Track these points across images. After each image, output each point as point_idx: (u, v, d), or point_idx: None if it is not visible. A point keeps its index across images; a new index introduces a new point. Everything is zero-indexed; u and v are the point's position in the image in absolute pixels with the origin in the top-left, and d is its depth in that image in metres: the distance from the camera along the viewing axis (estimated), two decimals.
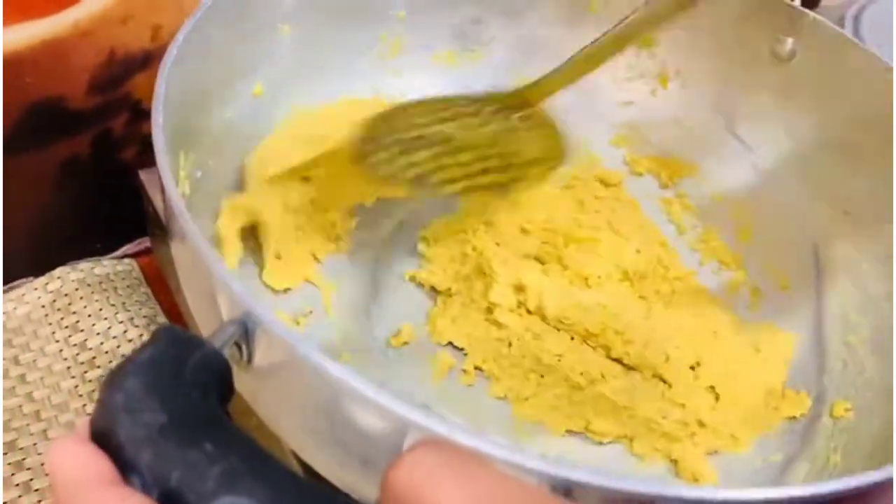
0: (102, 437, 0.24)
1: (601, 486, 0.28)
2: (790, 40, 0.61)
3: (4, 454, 0.50)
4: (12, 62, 0.50)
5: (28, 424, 0.51)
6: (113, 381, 0.25)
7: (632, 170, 0.67)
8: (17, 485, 0.49)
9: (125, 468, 0.23)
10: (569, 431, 0.51)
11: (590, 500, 0.29)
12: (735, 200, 0.64)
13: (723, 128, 0.66)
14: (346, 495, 0.24)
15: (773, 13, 0.61)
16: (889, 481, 0.33)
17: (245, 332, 0.31)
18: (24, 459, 0.50)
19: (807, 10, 0.59)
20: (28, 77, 0.52)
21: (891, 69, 0.55)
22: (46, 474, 0.49)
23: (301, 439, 0.34)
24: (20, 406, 0.52)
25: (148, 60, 0.57)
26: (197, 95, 0.48)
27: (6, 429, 0.51)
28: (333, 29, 0.60)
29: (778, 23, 0.61)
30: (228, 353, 0.29)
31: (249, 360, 0.32)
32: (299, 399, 0.33)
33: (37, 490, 0.49)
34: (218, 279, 0.32)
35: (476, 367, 0.53)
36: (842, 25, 0.76)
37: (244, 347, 0.31)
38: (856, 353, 0.54)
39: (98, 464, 0.23)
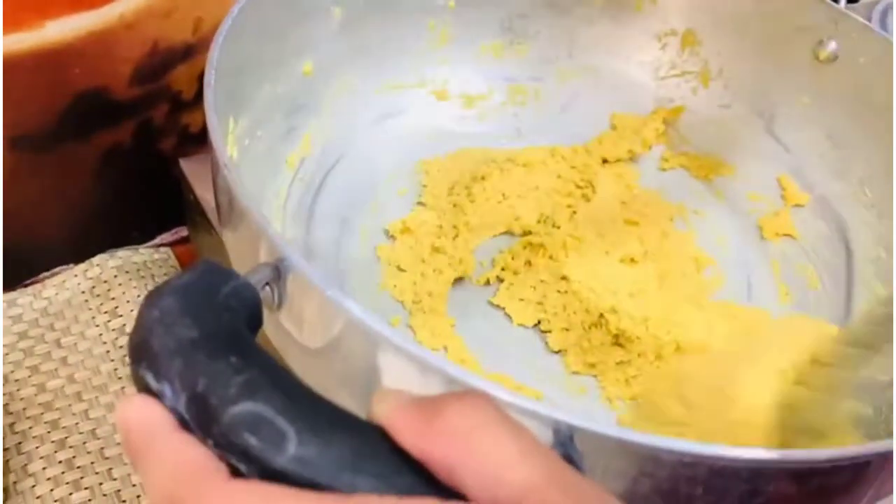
0: (139, 349, 0.26)
1: (599, 433, 0.29)
2: (832, 43, 0.60)
3: (48, 433, 0.51)
4: (60, 53, 0.52)
5: (70, 405, 0.53)
6: (151, 298, 0.27)
7: (668, 166, 0.67)
8: (60, 461, 0.50)
9: (157, 376, 0.25)
10: None
11: (592, 452, 0.29)
12: (771, 199, 0.64)
13: (762, 128, 0.65)
14: (355, 415, 0.24)
15: (816, 15, 0.61)
16: (888, 455, 0.33)
17: (278, 276, 0.32)
18: (66, 438, 0.51)
19: (850, 13, 0.59)
20: (75, 68, 0.53)
21: None
22: (89, 452, 0.50)
23: (329, 386, 0.34)
24: (62, 387, 0.53)
25: (189, 53, 0.58)
26: (249, 66, 0.49)
27: (49, 408, 0.52)
28: (383, 14, 0.61)
29: (821, 25, 0.61)
30: (261, 293, 0.30)
31: (280, 303, 0.33)
32: (327, 347, 0.33)
33: (79, 467, 0.50)
34: (257, 226, 0.33)
35: None
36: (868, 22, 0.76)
37: (276, 290, 0.32)
38: (879, 351, 0.53)
39: (161, 414, 0.25)
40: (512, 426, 0.24)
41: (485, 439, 0.23)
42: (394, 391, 0.25)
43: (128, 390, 0.53)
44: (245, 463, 0.23)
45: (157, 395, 0.24)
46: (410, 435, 0.24)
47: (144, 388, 0.25)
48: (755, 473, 0.31)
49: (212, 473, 0.23)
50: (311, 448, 0.23)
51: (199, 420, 0.24)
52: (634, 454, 0.30)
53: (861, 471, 0.34)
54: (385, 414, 0.24)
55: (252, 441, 0.23)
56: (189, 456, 0.23)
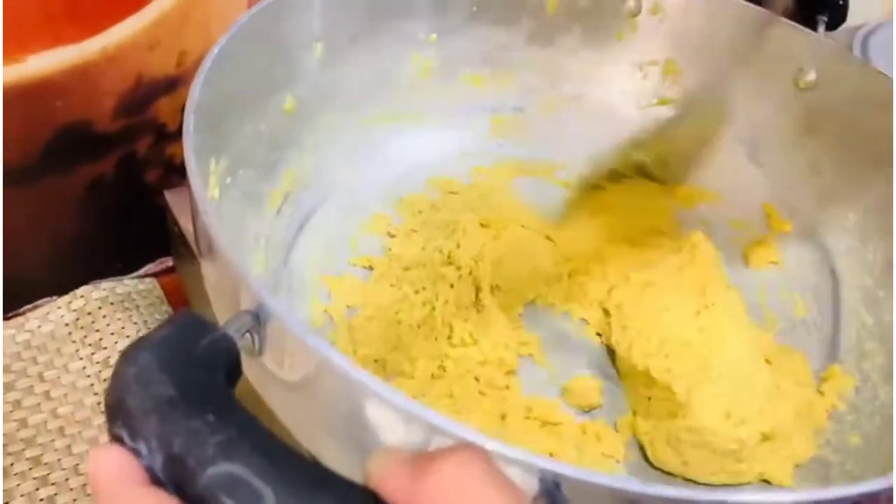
0: (115, 407, 0.26)
1: (584, 480, 0.29)
2: (812, 71, 0.61)
3: (29, 469, 0.51)
4: (42, 87, 0.52)
5: (52, 440, 0.52)
6: (127, 355, 0.27)
7: None
8: (42, 500, 0.50)
9: (133, 435, 0.25)
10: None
11: (578, 499, 0.29)
12: (755, 227, 0.64)
13: (745, 156, 0.66)
14: (336, 474, 0.24)
15: (795, 44, 0.61)
16: (889, 491, 0.33)
17: (258, 323, 0.32)
18: (48, 475, 0.51)
19: (828, 41, 0.60)
20: (57, 101, 0.53)
21: None
22: (72, 489, 0.50)
23: (309, 432, 0.34)
24: (45, 422, 0.53)
25: (173, 85, 0.58)
26: (230, 105, 0.49)
27: (31, 444, 0.52)
28: (365, 49, 0.61)
29: (800, 53, 0.61)
30: (241, 341, 0.30)
31: (261, 350, 0.33)
32: (309, 393, 0.33)
33: None
34: (236, 273, 0.33)
35: None
36: (850, 48, 0.77)
37: (256, 338, 0.32)
38: (869, 379, 0.54)
39: (131, 466, 0.25)
40: (501, 482, 0.24)
41: (472, 496, 0.23)
42: (388, 449, 0.25)
43: None
44: None
45: (133, 454, 0.24)
46: (398, 491, 0.24)
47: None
48: None
49: None
50: None
51: (176, 480, 0.24)
52: (620, 501, 0.30)
53: None
54: (376, 471, 0.24)
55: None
56: None
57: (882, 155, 0.57)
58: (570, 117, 0.69)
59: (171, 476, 0.24)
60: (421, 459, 0.24)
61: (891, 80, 0.57)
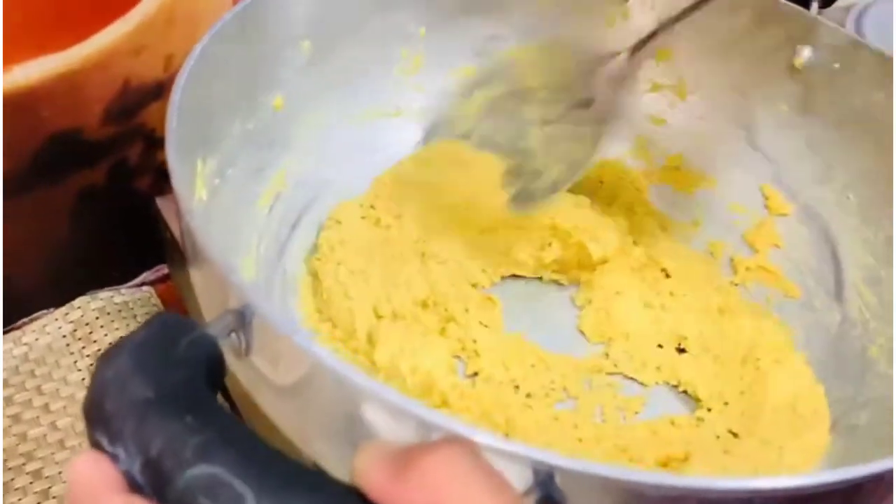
0: (92, 412, 0.25)
1: (582, 472, 0.28)
2: (807, 49, 0.60)
3: (31, 483, 0.50)
4: (29, 96, 0.51)
5: (53, 453, 0.52)
6: (105, 358, 0.26)
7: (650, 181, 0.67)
8: None
9: (111, 439, 0.25)
10: None
11: (573, 490, 0.29)
12: (755, 210, 0.64)
13: (742, 139, 0.65)
14: (319, 469, 0.24)
15: (789, 22, 0.60)
16: (888, 474, 0.32)
17: (243, 322, 0.31)
18: (49, 488, 0.50)
19: (823, 19, 0.59)
20: (44, 110, 0.53)
21: None
22: None
23: (302, 432, 0.34)
24: (45, 435, 0.53)
25: (161, 90, 0.58)
26: (216, 105, 0.49)
27: (31, 458, 0.51)
28: (354, 45, 0.61)
29: (794, 32, 0.60)
30: (227, 342, 0.30)
31: (248, 350, 0.32)
32: (297, 392, 0.33)
33: None
34: (220, 273, 0.33)
35: None
36: (843, 26, 0.76)
37: (243, 337, 0.32)
38: (874, 362, 0.53)
39: (108, 473, 0.24)
40: (488, 478, 0.23)
41: (458, 494, 0.23)
42: (373, 444, 0.25)
43: None
44: None
45: (111, 459, 0.24)
46: (381, 491, 0.23)
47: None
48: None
49: None
50: None
51: (155, 484, 0.23)
52: (617, 491, 0.29)
53: (853, 494, 0.33)
54: (360, 468, 0.24)
55: None
56: None
57: (879, 133, 0.57)
58: None
59: (150, 480, 0.23)
60: (405, 455, 0.24)
61: (886, 56, 0.56)
